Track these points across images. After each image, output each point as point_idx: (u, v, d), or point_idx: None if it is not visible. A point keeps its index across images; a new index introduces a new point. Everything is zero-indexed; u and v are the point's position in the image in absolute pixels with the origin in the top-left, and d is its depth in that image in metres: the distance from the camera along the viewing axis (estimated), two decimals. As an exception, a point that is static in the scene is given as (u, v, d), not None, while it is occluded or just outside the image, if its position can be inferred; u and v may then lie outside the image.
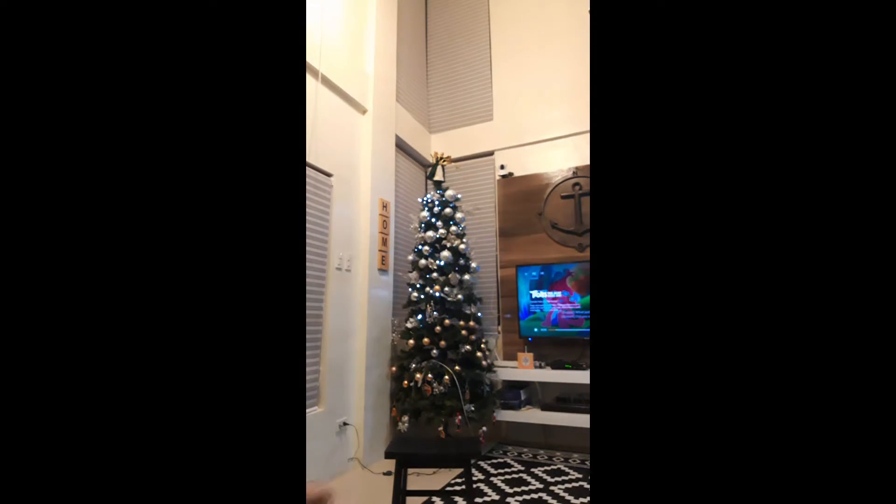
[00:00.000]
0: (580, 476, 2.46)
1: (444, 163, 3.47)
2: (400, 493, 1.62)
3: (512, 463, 2.77)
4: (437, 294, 2.94)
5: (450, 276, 2.97)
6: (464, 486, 2.28)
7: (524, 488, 2.31)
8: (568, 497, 2.18)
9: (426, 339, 2.86)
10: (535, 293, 3.23)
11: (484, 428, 2.86)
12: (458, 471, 2.59)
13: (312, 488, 0.65)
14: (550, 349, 3.30)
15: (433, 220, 3.18)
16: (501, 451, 3.02)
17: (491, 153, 3.88)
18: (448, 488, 2.32)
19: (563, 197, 3.48)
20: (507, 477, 2.50)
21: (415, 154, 3.85)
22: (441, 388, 2.74)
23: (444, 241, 3.08)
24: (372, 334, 2.88)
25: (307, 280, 2.44)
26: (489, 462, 2.79)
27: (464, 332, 2.91)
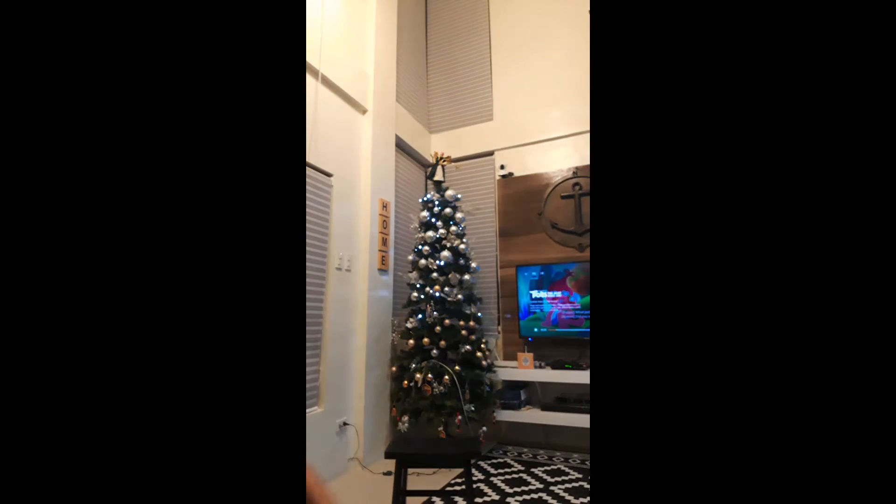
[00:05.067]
0: (580, 476, 2.46)
1: (444, 163, 3.47)
2: (400, 493, 1.62)
3: (512, 463, 2.77)
4: (437, 294, 2.94)
5: (450, 276, 2.97)
6: (464, 486, 2.28)
7: (524, 488, 2.31)
8: (568, 497, 2.18)
9: (426, 339, 2.86)
10: (535, 293, 3.23)
11: (484, 428, 2.86)
12: (458, 471, 2.59)
13: (312, 483, 0.64)
14: (550, 349, 3.30)
15: (433, 220, 3.18)
16: (501, 451, 3.02)
17: (491, 153, 3.88)
18: (448, 488, 2.32)
19: (563, 197, 3.48)
20: (507, 477, 2.50)
21: (415, 154, 3.85)
22: (441, 388, 2.74)
23: (444, 241, 3.08)
24: (372, 334, 2.88)
25: (307, 280, 2.44)
26: (489, 462, 2.79)
27: (464, 332, 2.91)
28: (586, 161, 3.56)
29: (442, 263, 3.01)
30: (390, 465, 2.73)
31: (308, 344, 2.43)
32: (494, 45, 4.06)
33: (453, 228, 3.11)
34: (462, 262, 3.10)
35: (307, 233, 2.47)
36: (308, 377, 2.42)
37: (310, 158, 2.52)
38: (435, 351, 2.86)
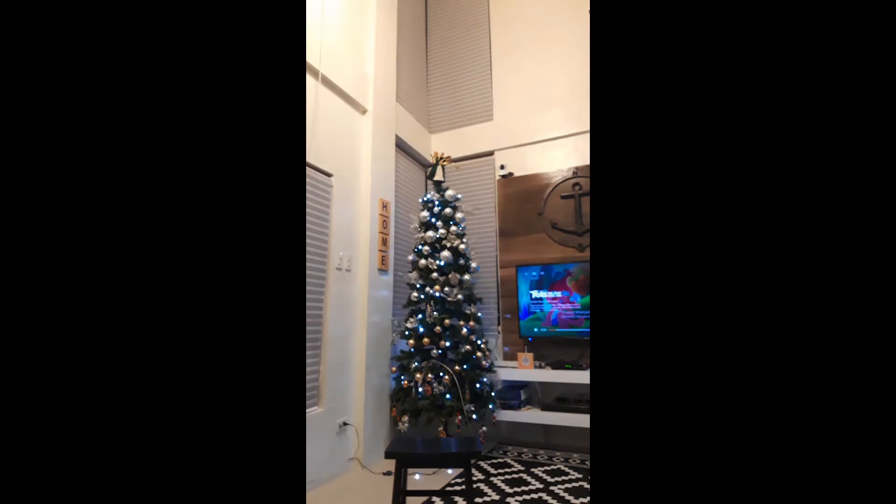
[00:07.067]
0: (580, 476, 2.46)
1: (444, 163, 3.47)
2: (400, 493, 1.62)
3: (512, 463, 2.77)
4: (437, 294, 2.94)
5: (450, 276, 2.97)
6: (464, 486, 2.28)
7: (524, 488, 2.31)
8: (568, 497, 2.18)
9: (426, 339, 2.86)
10: (535, 293, 3.23)
11: (484, 428, 2.86)
12: (458, 471, 2.59)
13: None
14: (550, 349, 3.30)
15: (433, 220, 3.18)
16: (501, 451, 3.02)
17: (491, 153, 3.88)
18: (448, 488, 2.32)
19: (563, 197, 3.47)
20: (507, 477, 2.50)
21: (415, 154, 3.85)
22: (441, 388, 2.74)
23: (444, 241, 3.08)
24: (372, 334, 2.88)
25: (307, 280, 2.44)
26: (489, 462, 2.78)
27: (464, 332, 2.91)
28: (586, 161, 3.56)
29: (442, 263, 3.01)
30: (390, 465, 2.73)
31: (308, 344, 2.43)
32: (494, 44, 4.06)
33: (453, 228, 3.11)
34: (462, 262, 3.10)
35: (307, 233, 2.47)
36: (308, 377, 2.42)
37: (310, 158, 2.52)
38: (435, 351, 2.86)
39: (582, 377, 2.87)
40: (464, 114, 4.08)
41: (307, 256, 2.46)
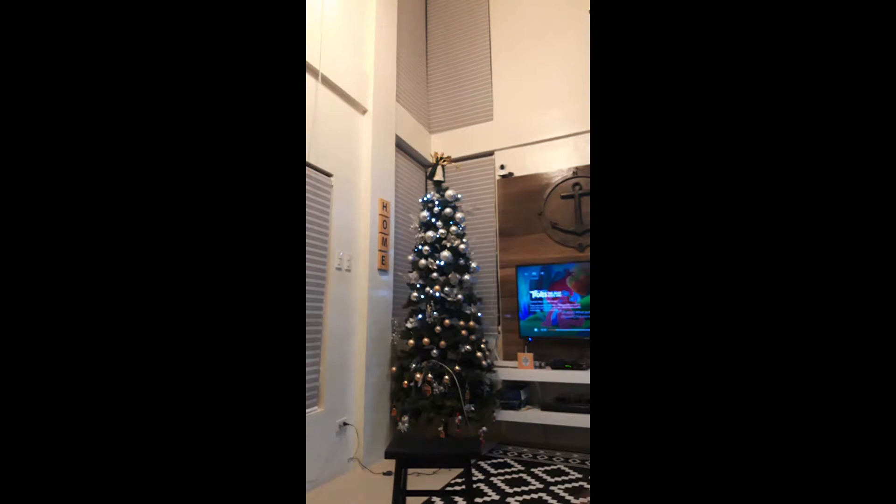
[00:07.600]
0: (580, 476, 2.46)
1: (444, 163, 3.47)
2: (400, 493, 1.62)
3: (512, 463, 2.77)
4: (437, 294, 2.94)
5: (450, 276, 2.97)
6: (464, 486, 2.28)
7: (524, 488, 2.31)
8: (568, 497, 2.18)
9: (426, 339, 2.86)
10: (535, 293, 3.23)
11: (484, 428, 2.86)
12: (458, 471, 2.59)
13: None
14: (550, 349, 3.30)
15: (433, 220, 3.18)
16: (501, 451, 3.02)
17: (491, 153, 3.88)
18: (448, 488, 2.32)
19: (563, 197, 3.48)
20: (507, 477, 2.50)
21: (415, 154, 3.85)
22: (441, 388, 2.74)
23: (444, 241, 3.08)
24: (372, 334, 2.88)
25: (307, 280, 2.44)
26: (489, 462, 2.79)
27: (464, 332, 2.91)
28: (586, 161, 3.56)
29: (442, 263, 3.01)
30: (390, 465, 2.73)
31: (308, 344, 2.43)
32: (494, 45, 4.06)
33: (453, 228, 3.11)
34: (462, 262, 3.10)
35: (307, 233, 2.47)
36: (308, 377, 2.42)
37: (310, 158, 2.52)
38: (435, 351, 2.86)
39: (582, 377, 2.87)
40: (464, 114, 4.08)
41: (307, 256, 2.46)
